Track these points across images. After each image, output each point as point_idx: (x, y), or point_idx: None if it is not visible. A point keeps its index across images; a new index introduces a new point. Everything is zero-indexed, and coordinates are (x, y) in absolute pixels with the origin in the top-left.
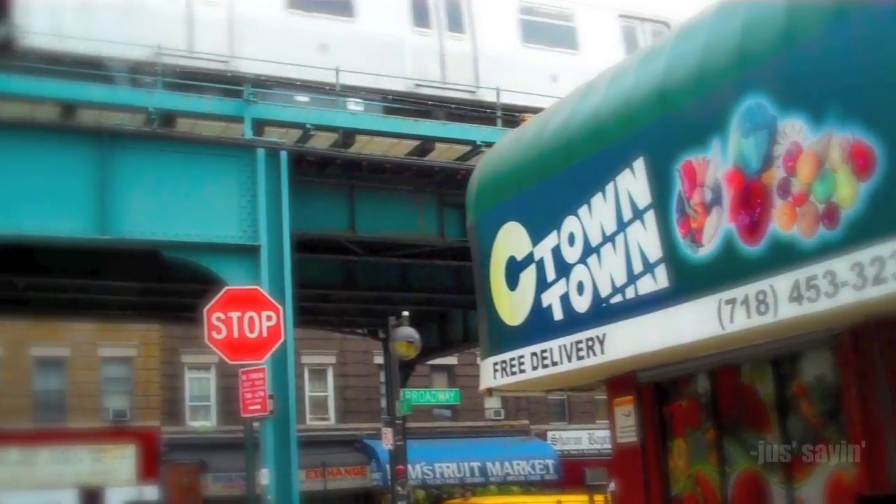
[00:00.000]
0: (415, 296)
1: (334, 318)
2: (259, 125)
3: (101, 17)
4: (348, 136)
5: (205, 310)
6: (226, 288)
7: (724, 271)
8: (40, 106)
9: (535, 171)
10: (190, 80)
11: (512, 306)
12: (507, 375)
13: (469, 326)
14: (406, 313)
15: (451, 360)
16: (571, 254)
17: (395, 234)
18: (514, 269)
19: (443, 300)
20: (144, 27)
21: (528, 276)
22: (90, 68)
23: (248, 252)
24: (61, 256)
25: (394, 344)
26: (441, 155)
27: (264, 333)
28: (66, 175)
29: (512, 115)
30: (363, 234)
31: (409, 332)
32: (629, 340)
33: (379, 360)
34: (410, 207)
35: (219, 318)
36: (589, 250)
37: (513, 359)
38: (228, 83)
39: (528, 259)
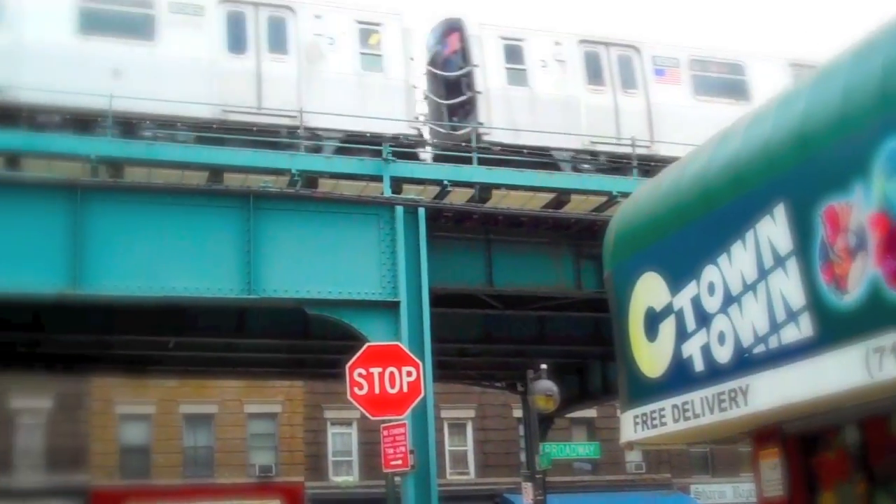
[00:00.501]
0: (553, 348)
1: (473, 371)
2: (397, 183)
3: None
4: (485, 190)
5: (347, 366)
6: (367, 344)
7: (872, 318)
8: (189, 172)
9: (673, 220)
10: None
11: (651, 358)
12: (648, 428)
13: (608, 378)
14: (544, 366)
15: (590, 412)
16: (712, 303)
17: (532, 287)
18: (653, 320)
19: (581, 352)
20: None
21: (668, 327)
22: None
23: (388, 308)
24: (209, 315)
25: (532, 397)
26: (577, 206)
27: (405, 389)
28: (214, 237)
29: (647, 165)
30: (500, 288)
31: (547, 385)
32: (773, 391)
33: (518, 413)
34: (547, 260)
35: (360, 374)
36: (730, 299)
37: (653, 411)
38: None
39: (668, 309)
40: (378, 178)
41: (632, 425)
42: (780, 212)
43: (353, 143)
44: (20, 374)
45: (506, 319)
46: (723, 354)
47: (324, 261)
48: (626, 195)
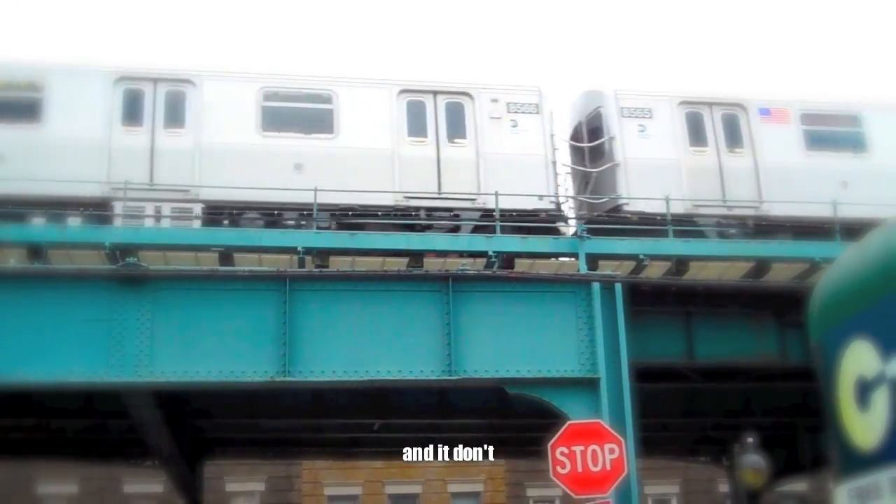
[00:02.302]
0: (758, 420)
1: (676, 446)
2: (593, 259)
3: None
4: (681, 263)
5: (549, 445)
6: (568, 422)
7: None
8: (390, 258)
9: (883, 284)
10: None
11: (864, 428)
12: (864, 502)
13: (819, 449)
14: (751, 439)
15: (800, 485)
16: None
17: (734, 359)
18: (864, 389)
19: (789, 423)
20: None
21: (881, 396)
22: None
23: (587, 385)
24: (412, 397)
25: (740, 472)
26: (779, 274)
27: (608, 466)
28: (415, 321)
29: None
30: (701, 361)
31: (755, 459)
32: None
33: (724, 488)
34: (749, 330)
35: (562, 453)
36: None
37: (869, 484)
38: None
39: (880, 377)
40: (573, 256)
41: (846, 499)
42: None
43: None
44: (235, 459)
45: (708, 392)
46: None
47: (522, 340)
48: (828, 261)
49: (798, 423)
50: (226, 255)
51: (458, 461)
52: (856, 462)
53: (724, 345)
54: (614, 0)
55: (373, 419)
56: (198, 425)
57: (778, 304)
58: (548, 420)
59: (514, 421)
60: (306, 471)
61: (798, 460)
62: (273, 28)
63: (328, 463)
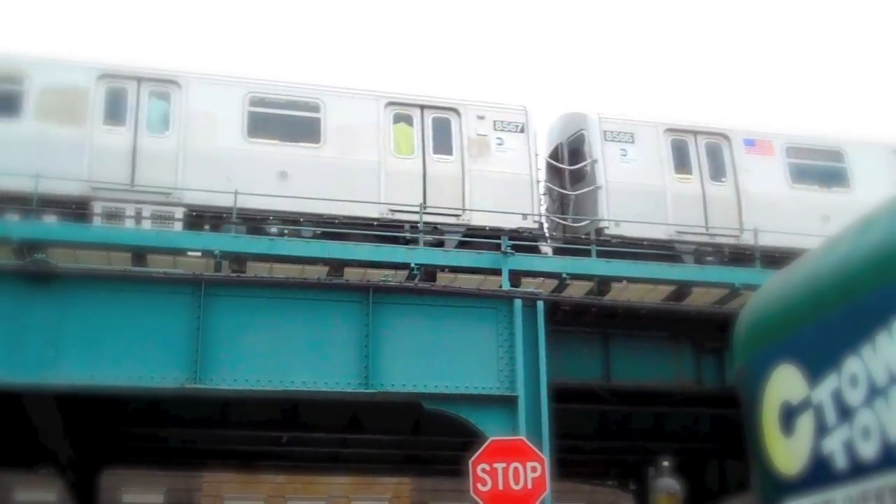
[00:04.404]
0: (669, 445)
1: (586, 468)
2: (516, 276)
3: None
4: (603, 283)
5: (470, 461)
6: (491, 439)
7: None
8: (310, 266)
9: (811, 310)
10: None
11: (788, 454)
12: None
13: (727, 477)
14: (666, 463)
15: None
16: (855, 396)
17: (650, 383)
18: (788, 415)
19: (698, 450)
20: None
21: (806, 422)
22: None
23: (505, 403)
24: (322, 411)
25: (654, 497)
26: (698, 299)
27: (529, 485)
28: (333, 331)
29: (773, 256)
30: (617, 383)
31: (669, 483)
32: None
33: None
34: (666, 354)
35: (484, 470)
36: (875, 392)
37: None
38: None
39: (805, 403)
40: (497, 272)
41: None
42: None
43: (474, 237)
44: (134, 468)
45: (621, 415)
46: (868, 451)
47: (441, 355)
48: (749, 287)
49: (707, 450)
50: (139, 256)
51: (363, 478)
52: (778, 488)
53: (640, 368)
54: (604, 28)
55: (281, 432)
56: (98, 432)
57: (696, 330)
58: (459, 438)
59: (424, 439)
60: (207, 483)
61: (704, 488)
62: (263, 36)
63: (230, 476)
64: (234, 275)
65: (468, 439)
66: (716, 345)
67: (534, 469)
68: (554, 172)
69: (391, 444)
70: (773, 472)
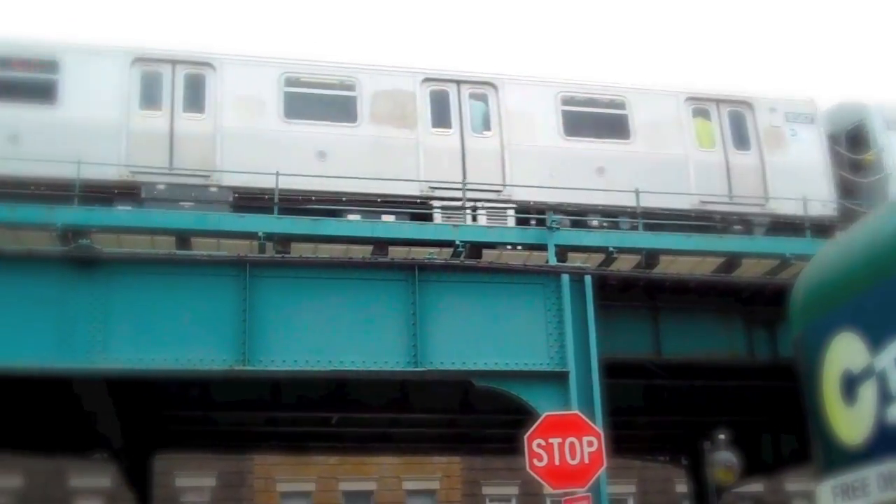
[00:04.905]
0: (720, 419)
1: (637, 444)
2: (562, 251)
3: None
4: (651, 257)
5: (525, 437)
6: (545, 414)
7: None
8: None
9: (872, 274)
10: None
11: (850, 423)
12: (850, 499)
13: (780, 450)
14: (723, 436)
15: (757, 487)
16: None
17: (701, 356)
18: (850, 383)
19: (752, 423)
20: None
21: (868, 390)
22: None
23: (556, 379)
24: (372, 391)
25: (712, 470)
26: (748, 270)
27: (586, 460)
28: (379, 310)
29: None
30: (668, 357)
31: (727, 456)
32: None
33: (681, 488)
34: (717, 327)
35: (539, 445)
36: None
37: (855, 481)
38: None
39: (868, 371)
40: (542, 247)
41: (830, 497)
42: None
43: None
44: (186, 453)
45: (672, 389)
46: None
47: (489, 332)
48: (800, 258)
49: (760, 423)
50: (183, 240)
51: (413, 459)
52: (841, 458)
53: (691, 341)
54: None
55: (330, 413)
56: (149, 417)
57: (747, 302)
58: (509, 416)
59: (473, 416)
60: (258, 466)
61: (758, 461)
62: (293, 20)
63: (280, 458)
64: (279, 256)
65: (518, 417)
66: (767, 316)
67: (590, 443)
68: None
69: (440, 422)
70: (834, 442)
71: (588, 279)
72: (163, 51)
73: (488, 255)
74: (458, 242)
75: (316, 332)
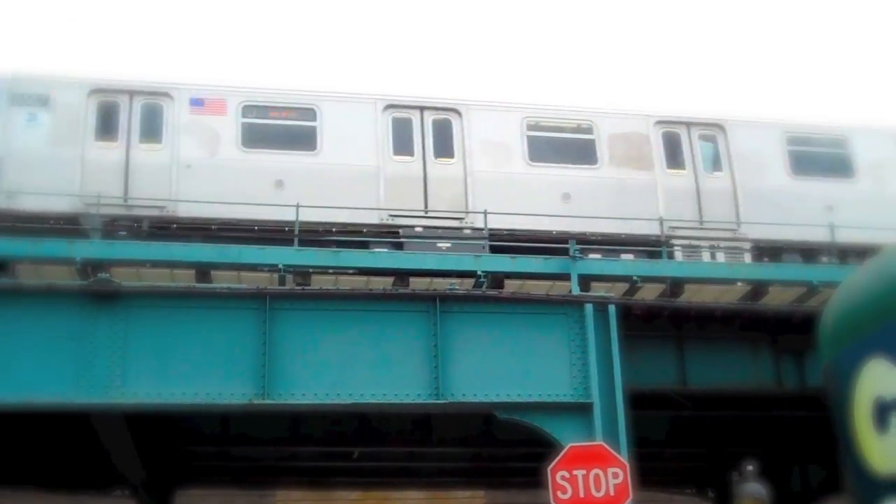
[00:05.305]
0: (747, 450)
1: (661, 477)
2: (585, 281)
3: None
4: (676, 285)
5: (549, 469)
6: (569, 445)
7: None
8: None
9: None
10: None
11: (883, 452)
12: None
13: (809, 481)
14: (751, 467)
15: None
16: None
17: (728, 386)
18: (883, 411)
19: (780, 453)
20: None
21: None
22: None
23: (580, 410)
24: (391, 424)
25: (739, 501)
26: (775, 298)
27: (611, 492)
28: (400, 342)
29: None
30: (694, 387)
31: (756, 488)
32: None
33: None
34: (743, 356)
35: (563, 477)
36: None
37: None
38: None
39: None
40: (565, 277)
41: None
42: None
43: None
44: (207, 489)
45: (697, 421)
46: None
47: (512, 363)
48: (827, 284)
49: (788, 455)
50: (203, 273)
51: (437, 493)
52: (875, 489)
53: (717, 370)
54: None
55: (352, 447)
56: (170, 452)
57: (774, 330)
58: (533, 449)
59: (497, 450)
60: (280, 502)
61: (787, 493)
62: (257, 40)
63: (303, 493)
64: (299, 288)
65: (542, 450)
66: (795, 345)
67: (615, 475)
68: None
69: (463, 455)
70: (867, 473)
71: (612, 309)
72: (410, 97)
73: (510, 286)
74: (479, 273)
75: (336, 365)
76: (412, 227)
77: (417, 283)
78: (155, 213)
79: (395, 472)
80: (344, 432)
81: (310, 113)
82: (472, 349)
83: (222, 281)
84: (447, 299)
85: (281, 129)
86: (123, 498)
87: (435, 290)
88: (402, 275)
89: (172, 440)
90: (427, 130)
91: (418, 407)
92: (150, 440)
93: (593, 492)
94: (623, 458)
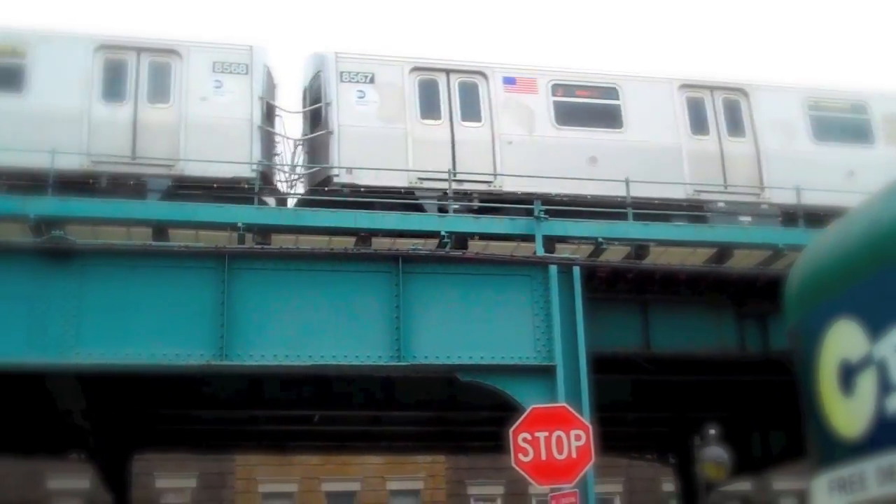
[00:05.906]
0: (710, 414)
1: (623, 442)
2: (550, 242)
3: None
4: (641, 248)
5: (510, 430)
6: (531, 407)
7: None
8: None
9: (871, 261)
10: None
11: (848, 415)
12: (846, 494)
13: (770, 448)
14: (713, 431)
15: (743, 485)
16: None
17: (691, 350)
18: (848, 373)
19: (741, 420)
20: None
21: (867, 380)
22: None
23: (543, 373)
24: (354, 387)
25: (701, 466)
26: (740, 262)
27: (573, 454)
28: (362, 303)
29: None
30: (657, 351)
31: (717, 452)
32: None
33: (668, 487)
34: (707, 320)
35: (525, 440)
36: None
37: (852, 475)
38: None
39: (867, 360)
40: (530, 238)
41: (826, 492)
42: None
43: None
44: (165, 453)
45: (659, 385)
46: None
47: (475, 325)
48: (793, 248)
49: (749, 420)
50: (160, 231)
51: (397, 458)
52: (838, 451)
53: (681, 335)
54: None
55: (313, 411)
56: (127, 415)
57: (738, 294)
58: (495, 413)
59: (459, 414)
60: (240, 467)
61: (748, 459)
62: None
63: (262, 458)
64: (258, 247)
65: (504, 414)
66: (759, 309)
67: (578, 437)
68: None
69: (425, 419)
70: (831, 435)
71: (576, 270)
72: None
73: (474, 247)
74: (443, 233)
75: (296, 326)
76: (715, 202)
77: (380, 244)
78: (483, 187)
79: (357, 437)
80: (304, 396)
81: (612, 92)
82: (434, 311)
83: (180, 240)
84: (410, 260)
85: (586, 108)
86: (80, 462)
87: (398, 249)
88: (364, 235)
89: (130, 403)
90: (720, 109)
91: (380, 369)
92: (106, 402)
93: (555, 454)
94: (586, 420)
